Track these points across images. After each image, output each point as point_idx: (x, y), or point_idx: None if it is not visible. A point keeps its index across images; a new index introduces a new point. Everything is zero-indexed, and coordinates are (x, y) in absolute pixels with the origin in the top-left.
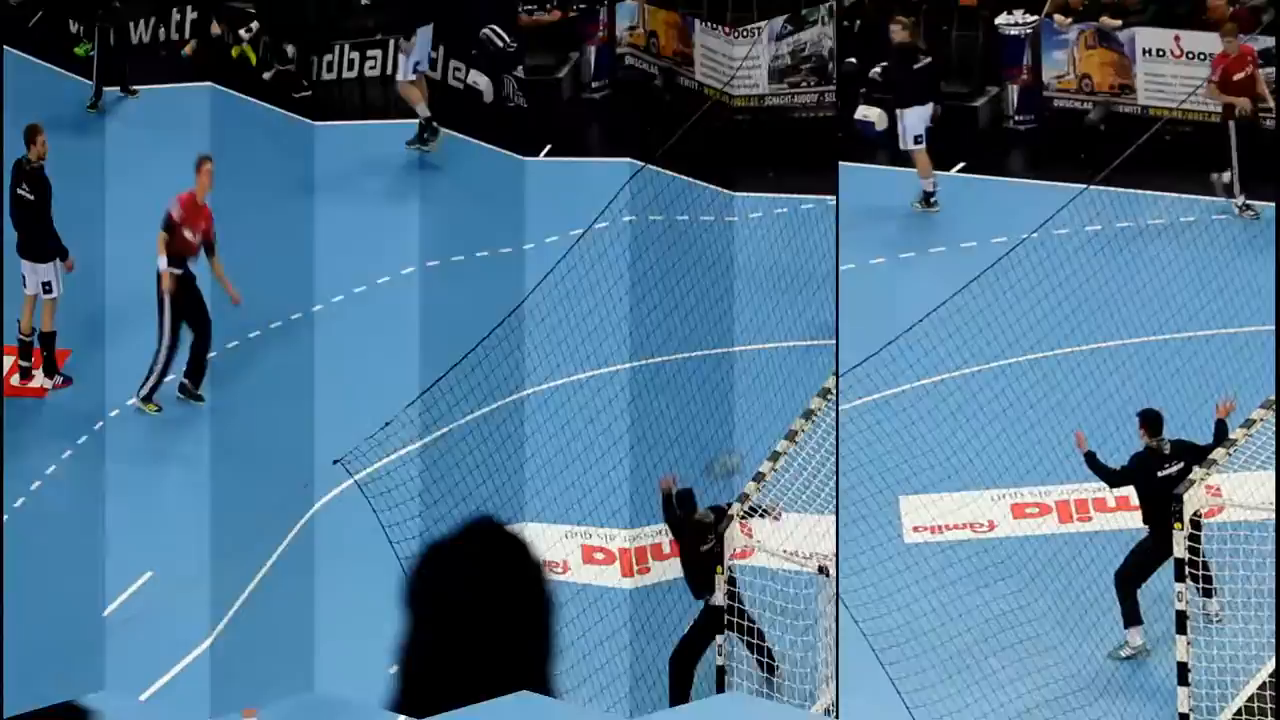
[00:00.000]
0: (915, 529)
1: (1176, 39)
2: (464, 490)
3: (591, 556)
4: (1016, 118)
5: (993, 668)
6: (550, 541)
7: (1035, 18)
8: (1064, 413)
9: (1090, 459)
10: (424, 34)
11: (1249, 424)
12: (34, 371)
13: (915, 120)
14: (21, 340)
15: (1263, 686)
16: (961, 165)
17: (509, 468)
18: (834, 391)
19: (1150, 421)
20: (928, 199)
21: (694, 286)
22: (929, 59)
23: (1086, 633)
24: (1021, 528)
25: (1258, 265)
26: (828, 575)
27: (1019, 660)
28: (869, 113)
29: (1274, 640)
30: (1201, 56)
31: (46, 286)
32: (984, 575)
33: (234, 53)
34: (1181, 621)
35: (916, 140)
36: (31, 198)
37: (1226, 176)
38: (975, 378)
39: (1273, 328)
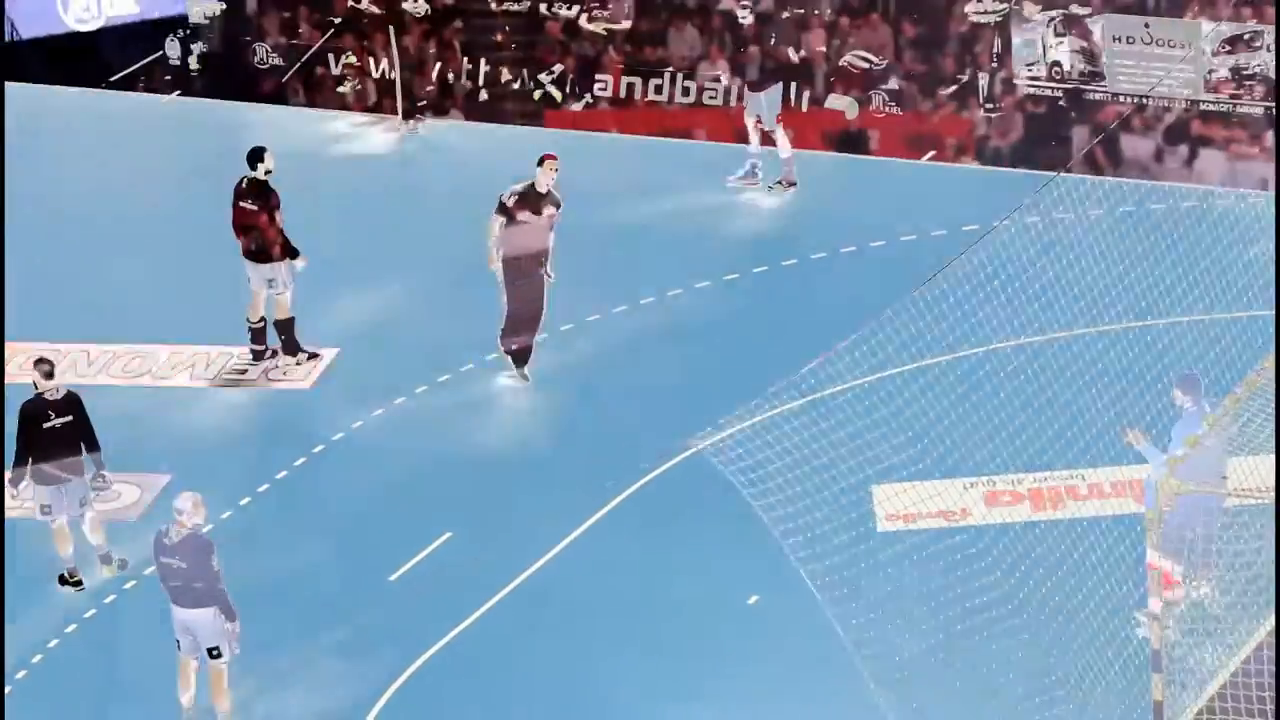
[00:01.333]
0: (889, 517)
1: (1145, 26)
2: None
3: None
4: (986, 106)
5: (966, 656)
6: None
7: (1004, 5)
8: (1038, 400)
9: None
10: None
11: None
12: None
13: (773, 100)
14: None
15: (1234, 674)
16: (931, 154)
17: None
18: None
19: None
20: (753, 171)
21: None
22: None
23: (1061, 620)
24: (995, 516)
25: (1223, 251)
26: None
27: (993, 649)
28: (839, 101)
29: (1246, 631)
30: (1170, 44)
31: (272, 283)
32: (958, 563)
33: None
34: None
35: (776, 120)
36: (255, 208)
37: None
38: (949, 366)
39: (1243, 314)
